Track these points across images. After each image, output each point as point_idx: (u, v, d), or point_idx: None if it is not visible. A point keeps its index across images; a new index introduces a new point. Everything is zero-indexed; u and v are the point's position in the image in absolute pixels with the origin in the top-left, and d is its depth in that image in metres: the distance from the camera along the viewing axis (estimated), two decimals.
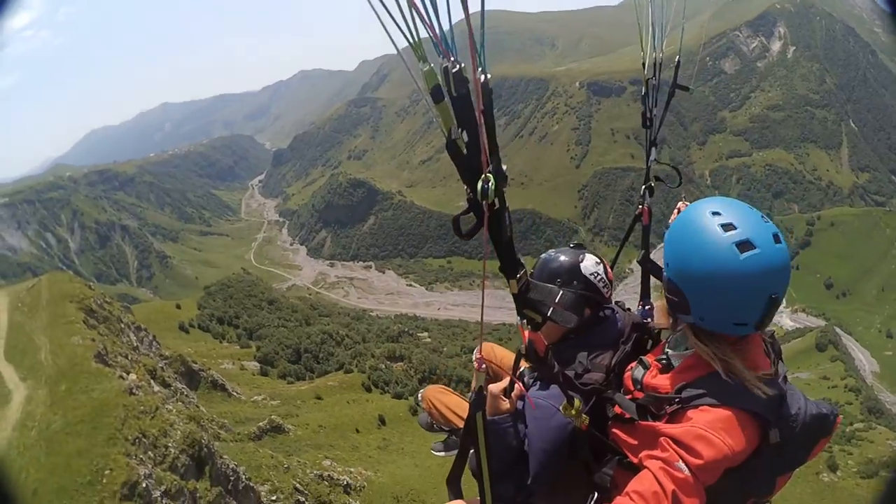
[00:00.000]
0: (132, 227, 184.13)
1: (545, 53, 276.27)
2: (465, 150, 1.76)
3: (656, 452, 2.04)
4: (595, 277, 3.02)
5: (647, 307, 3.56)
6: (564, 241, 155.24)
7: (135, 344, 35.27)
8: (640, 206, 3.95)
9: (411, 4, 1.40)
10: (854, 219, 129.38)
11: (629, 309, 3.24)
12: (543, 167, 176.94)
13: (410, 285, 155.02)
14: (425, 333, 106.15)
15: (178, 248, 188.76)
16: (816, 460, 44.63)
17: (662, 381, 2.32)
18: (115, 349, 26.60)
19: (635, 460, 2.24)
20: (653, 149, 4.07)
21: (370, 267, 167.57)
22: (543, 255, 3.17)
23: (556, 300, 2.55)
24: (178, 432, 17.76)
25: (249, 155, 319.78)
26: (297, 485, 25.35)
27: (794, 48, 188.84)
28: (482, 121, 1.67)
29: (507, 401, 2.58)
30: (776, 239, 2.03)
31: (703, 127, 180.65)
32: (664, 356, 2.44)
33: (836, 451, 49.77)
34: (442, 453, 4.28)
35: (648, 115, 4.04)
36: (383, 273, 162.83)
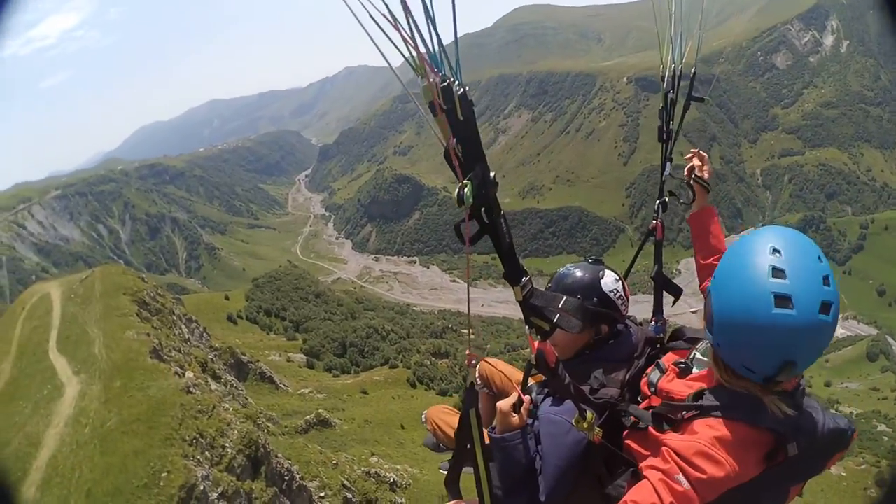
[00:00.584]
0: (182, 219, 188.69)
1: (591, 48, 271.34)
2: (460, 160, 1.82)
3: (657, 463, 2.01)
4: (614, 294, 3.01)
5: (659, 323, 3.42)
6: (611, 240, 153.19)
7: (186, 336, 35.54)
8: (654, 221, 3.80)
9: (408, 19, 1.43)
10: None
11: (641, 323, 3.23)
12: (590, 164, 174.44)
13: (454, 281, 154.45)
14: (469, 330, 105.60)
15: (227, 241, 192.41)
16: (865, 475, 43.50)
17: (678, 386, 2.32)
18: (169, 342, 26.63)
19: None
20: (668, 164, 3.91)
21: (414, 262, 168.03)
22: (561, 270, 3.13)
23: (561, 305, 2.45)
24: (236, 432, 17.40)
25: (296, 150, 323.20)
26: (345, 481, 24.95)
27: (848, 42, 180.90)
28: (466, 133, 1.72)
29: (517, 416, 2.57)
30: (824, 308, 1.83)
31: (755, 124, 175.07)
32: (683, 361, 2.45)
33: (884, 466, 47.19)
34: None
35: (665, 128, 3.92)
36: (427, 268, 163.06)
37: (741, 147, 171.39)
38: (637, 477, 2.27)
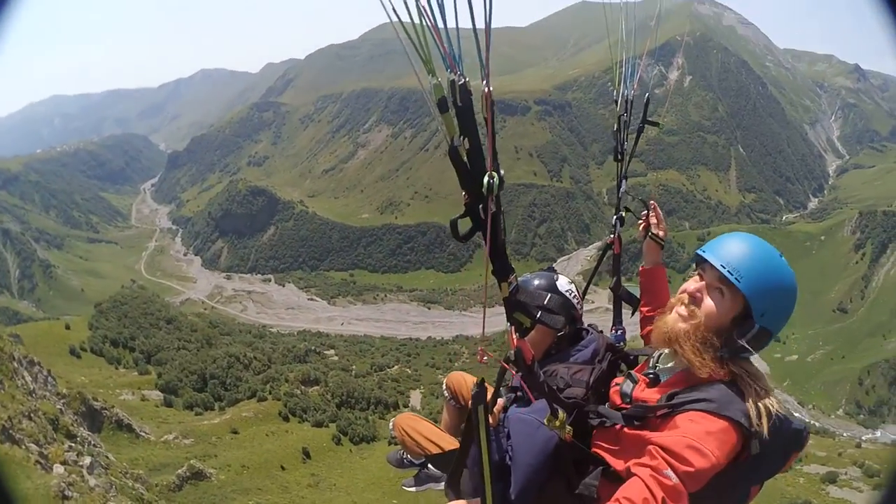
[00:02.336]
0: (14, 231, 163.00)
1: None
2: (465, 157, 1.91)
3: (645, 460, 2.13)
4: (570, 294, 3.34)
5: (619, 331, 3.72)
6: (468, 255, 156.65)
7: (31, 387, 30.75)
8: (612, 235, 3.97)
9: (423, 17, 1.53)
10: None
11: (602, 331, 3.43)
12: (448, 181, 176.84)
13: (312, 299, 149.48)
14: (332, 351, 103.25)
15: (64, 257, 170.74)
16: None
17: (651, 394, 2.49)
18: (16, 405, 22.53)
19: (620, 468, 2.38)
20: (623, 181, 4.14)
21: (269, 280, 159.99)
22: (519, 279, 3.02)
23: (545, 302, 2.89)
24: None
25: (142, 156, 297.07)
26: None
27: (691, 77, 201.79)
28: (492, 130, 1.83)
29: (491, 416, 2.66)
30: None
31: (602, 147, 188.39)
32: (651, 371, 2.62)
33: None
34: (413, 489, 4.33)
35: (619, 149, 4.18)
36: (283, 286, 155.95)
37: (589, 168, 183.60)
38: (607, 476, 2.46)
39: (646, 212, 3.66)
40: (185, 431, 43.70)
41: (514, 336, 2.35)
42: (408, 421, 3.85)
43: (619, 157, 4.23)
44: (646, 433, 2.29)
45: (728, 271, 2.36)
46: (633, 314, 3.61)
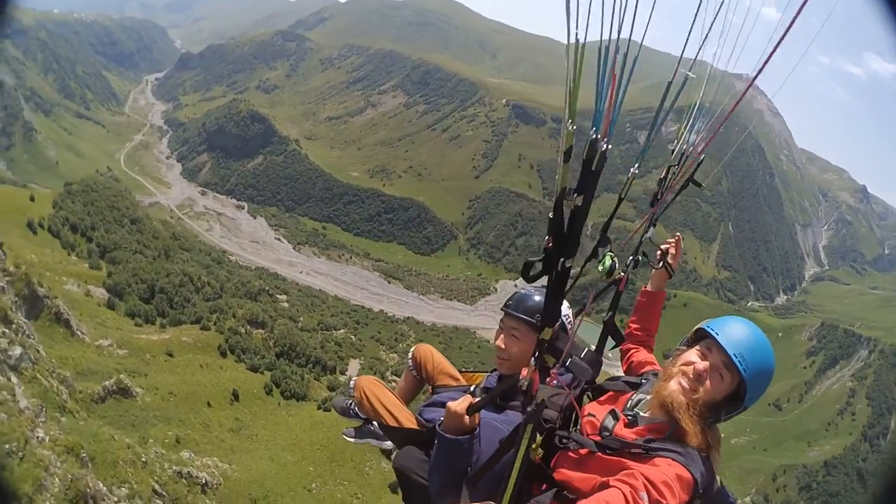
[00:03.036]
0: (7, 84, 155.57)
1: (484, 60, 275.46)
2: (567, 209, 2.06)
3: (626, 479, 2.36)
4: (567, 320, 3.42)
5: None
6: (443, 242, 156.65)
7: None
8: (622, 273, 3.83)
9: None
10: (706, 307, 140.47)
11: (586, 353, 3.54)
12: (445, 166, 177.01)
13: (278, 239, 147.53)
14: (284, 297, 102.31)
15: (48, 124, 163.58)
16: None
17: (628, 434, 2.75)
18: None
19: (584, 487, 2.63)
20: (651, 228, 4.14)
21: (243, 208, 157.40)
22: (519, 291, 3.49)
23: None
24: (57, 481, 12.71)
25: (156, 47, 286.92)
26: (156, 485, 22.24)
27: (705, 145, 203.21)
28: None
29: (469, 420, 2.88)
30: None
31: (601, 182, 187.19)
32: (630, 413, 2.88)
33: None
34: (353, 440, 4.49)
35: (660, 196, 4.12)
36: (254, 218, 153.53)
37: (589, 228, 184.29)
38: (560, 499, 2.71)
39: (660, 251, 4.01)
40: (121, 341, 42.82)
41: (533, 372, 2.68)
42: (371, 386, 3.88)
43: (656, 203, 4.18)
44: (628, 461, 2.54)
45: (738, 360, 2.63)
46: (613, 348, 3.67)
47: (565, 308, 3.42)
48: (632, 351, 3.76)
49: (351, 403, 4.42)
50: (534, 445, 2.64)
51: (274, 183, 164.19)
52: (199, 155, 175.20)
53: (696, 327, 2.92)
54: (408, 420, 3.67)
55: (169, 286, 63.60)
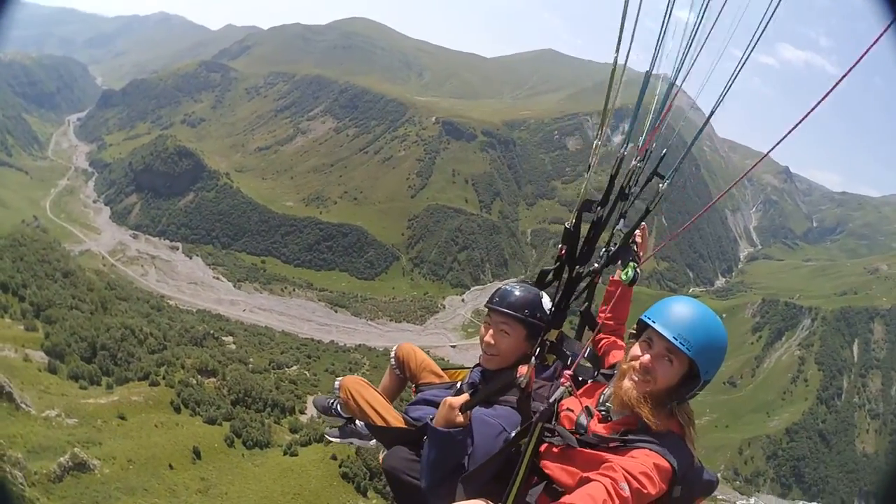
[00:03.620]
0: None
1: (411, 79, 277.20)
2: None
3: (605, 472, 2.45)
4: (550, 312, 3.38)
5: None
6: (385, 265, 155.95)
7: None
8: (595, 265, 3.89)
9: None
10: (649, 298, 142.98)
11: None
12: (380, 188, 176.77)
13: (217, 278, 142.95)
14: (230, 338, 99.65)
15: None
16: None
17: (603, 429, 2.83)
18: None
19: (569, 482, 2.73)
20: (622, 219, 4.02)
21: (177, 248, 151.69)
22: (502, 287, 3.52)
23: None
24: None
25: (77, 85, 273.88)
26: None
27: (632, 145, 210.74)
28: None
29: (463, 416, 2.94)
30: None
31: (535, 190, 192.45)
32: (603, 408, 2.95)
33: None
34: (337, 439, 4.49)
35: (627, 190, 3.98)
36: (190, 258, 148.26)
37: (519, 206, 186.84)
38: (548, 492, 2.81)
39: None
40: (69, 409, 40.81)
41: (532, 369, 2.84)
42: (356, 385, 3.90)
43: (622, 197, 4.08)
44: (606, 455, 2.64)
45: (680, 342, 2.69)
46: (595, 334, 3.76)
47: (547, 301, 3.48)
48: (603, 341, 3.78)
49: (333, 402, 4.44)
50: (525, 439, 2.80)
51: (207, 220, 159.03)
52: (127, 196, 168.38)
53: (637, 319, 3.02)
54: (395, 419, 3.67)
55: (110, 342, 60.95)
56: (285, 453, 49.48)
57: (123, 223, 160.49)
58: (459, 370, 4.21)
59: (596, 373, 3.39)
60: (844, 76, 2.42)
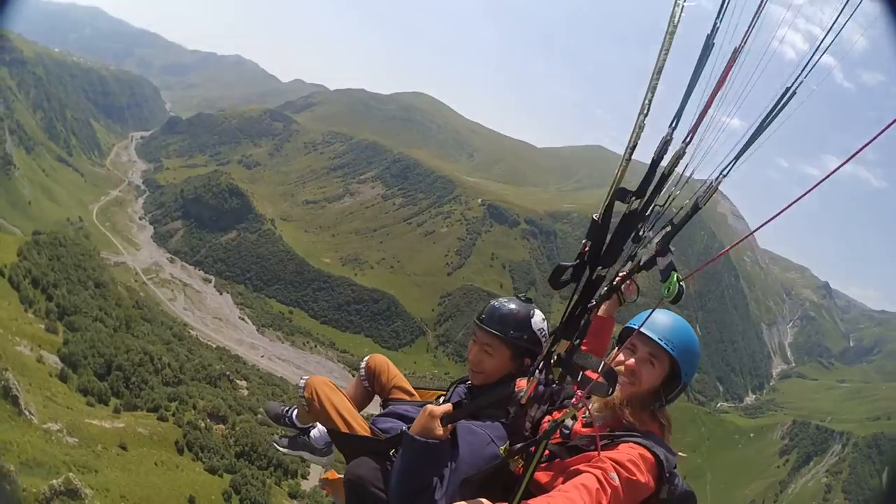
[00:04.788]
0: None
1: (461, 159, 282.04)
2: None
3: (596, 464, 2.54)
4: (541, 333, 3.28)
5: (557, 386, 3.62)
6: (411, 338, 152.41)
7: None
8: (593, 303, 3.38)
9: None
10: (677, 410, 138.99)
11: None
12: (418, 261, 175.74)
13: (242, 319, 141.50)
14: (244, 383, 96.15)
15: (28, 161, 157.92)
16: None
17: (587, 432, 2.90)
18: None
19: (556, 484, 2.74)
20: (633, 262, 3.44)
21: (210, 281, 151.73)
22: (494, 302, 3.36)
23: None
24: None
25: (146, 105, 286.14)
26: None
27: (674, 249, 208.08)
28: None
29: (443, 429, 2.82)
30: None
31: (571, 287, 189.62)
32: (587, 415, 2.96)
33: None
34: (285, 450, 4.15)
35: (637, 234, 3.06)
36: (220, 294, 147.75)
37: (553, 299, 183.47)
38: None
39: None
40: (72, 426, 37.61)
41: (533, 384, 2.88)
42: (323, 387, 3.55)
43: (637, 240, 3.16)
44: (594, 453, 2.67)
45: (665, 343, 2.86)
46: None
47: (538, 320, 3.27)
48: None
49: (287, 410, 4.11)
50: (514, 456, 2.84)
51: (245, 260, 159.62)
52: (172, 220, 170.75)
53: (620, 330, 3.09)
54: (362, 428, 3.38)
55: (127, 364, 58.25)
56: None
57: (163, 245, 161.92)
58: (432, 391, 3.95)
59: (610, 390, 3.06)
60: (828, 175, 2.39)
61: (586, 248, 2.90)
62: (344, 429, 3.36)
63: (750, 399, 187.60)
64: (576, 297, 2.86)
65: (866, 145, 2.30)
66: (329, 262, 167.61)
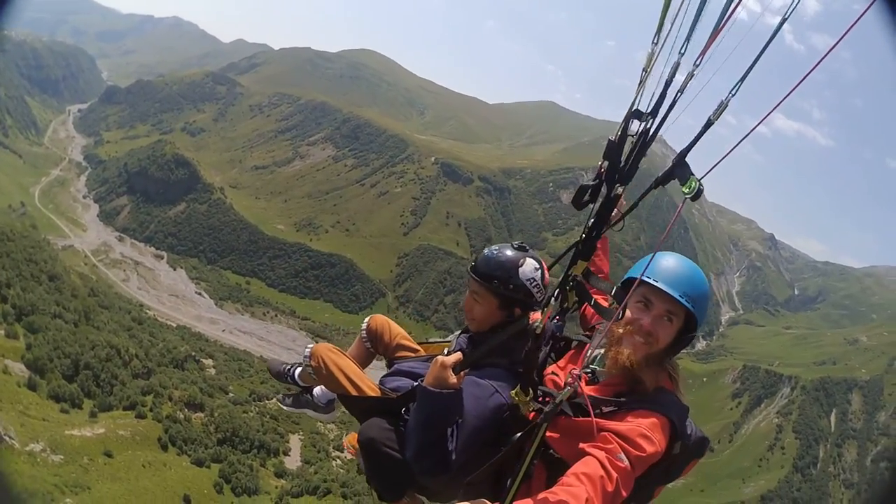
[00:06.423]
0: None
1: (413, 116, 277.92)
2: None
3: (600, 444, 2.44)
4: (531, 283, 3.19)
5: (561, 322, 3.64)
6: (371, 300, 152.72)
7: None
8: (583, 235, 3.35)
9: None
10: None
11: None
12: (373, 222, 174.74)
13: (199, 294, 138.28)
14: (210, 361, 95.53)
15: None
16: None
17: (593, 391, 2.79)
18: None
19: (564, 452, 2.68)
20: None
21: (162, 257, 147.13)
22: (486, 251, 3.31)
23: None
24: None
25: (82, 76, 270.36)
26: None
27: (625, 203, 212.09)
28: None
29: (455, 377, 2.82)
30: None
31: (526, 240, 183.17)
32: (590, 369, 2.92)
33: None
34: (289, 408, 4.19)
35: (625, 165, 3.03)
36: (174, 269, 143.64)
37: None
38: (543, 457, 2.75)
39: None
40: (54, 442, 37.00)
41: (547, 316, 2.88)
42: (329, 354, 3.54)
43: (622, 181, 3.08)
44: (601, 421, 2.56)
45: (686, 301, 2.69)
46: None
47: (529, 269, 3.17)
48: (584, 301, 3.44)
49: (289, 368, 4.12)
50: (525, 398, 2.80)
51: (196, 233, 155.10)
52: (118, 197, 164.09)
53: (624, 278, 2.94)
54: (371, 389, 3.36)
55: (94, 361, 56.90)
56: None
57: (111, 223, 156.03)
58: (436, 344, 3.95)
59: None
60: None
61: (603, 169, 3.03)
62: (354, 392, 3.40)
63: (701, 345, 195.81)
64: (592, 217, 3.08)
65: (779, 103, 2.36)
66: (283, 229, 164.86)
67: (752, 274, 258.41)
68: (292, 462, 63.48)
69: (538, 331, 2.87)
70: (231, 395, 78.63)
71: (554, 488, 2.31)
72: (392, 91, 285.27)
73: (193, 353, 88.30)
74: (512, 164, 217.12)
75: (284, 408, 4.23)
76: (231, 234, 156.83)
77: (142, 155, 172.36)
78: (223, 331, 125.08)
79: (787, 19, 2.22)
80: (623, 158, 2.97)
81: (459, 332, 3.59)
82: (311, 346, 3.71)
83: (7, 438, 32.87)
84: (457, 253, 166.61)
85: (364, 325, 3.98)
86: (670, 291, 2.66)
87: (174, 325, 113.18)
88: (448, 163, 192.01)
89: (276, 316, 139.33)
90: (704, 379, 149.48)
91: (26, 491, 28.09)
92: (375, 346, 3.92)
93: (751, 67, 2.36)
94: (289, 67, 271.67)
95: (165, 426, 49.91)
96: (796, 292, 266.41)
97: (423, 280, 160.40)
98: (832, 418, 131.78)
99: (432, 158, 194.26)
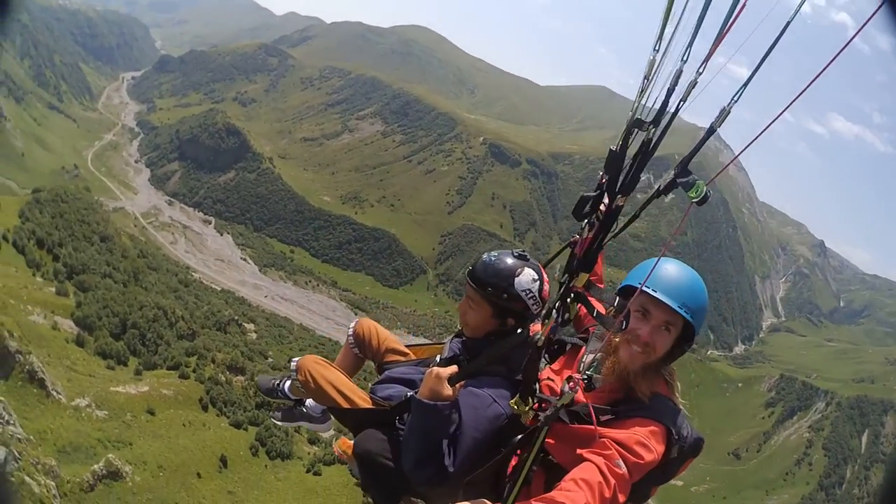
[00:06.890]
0: None
1: (462, 95, 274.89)
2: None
3: (598, 450, 2.45)
4: (527, 294, 3.12)
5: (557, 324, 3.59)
6: (411, 276, 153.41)
7: None
8: (575, 236, 3.45)
9: None
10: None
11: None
12: (418, 199, 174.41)
13: (244, 259, 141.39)
14: (252, 326, 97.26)
15: (18, 112, 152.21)
16: None
17: (590, 398, 2.80)
18: None
19: (562, 458, 2.71)
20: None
21: (210, 223, 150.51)
22: (485, 256, 3.26)
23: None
24: None
25: (136, 45, 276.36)
26: None
27: (673, 196, 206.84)
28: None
29: (450, 389, 2.82)
30: None
31: (571, 226, 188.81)
32: (587, 375, 2.88)
33: None
34: (282, 423, 4.12)
35: (625, 178, 3.03)
36: (221, 235, 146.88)
37: (552, 241, 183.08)
38: (542, 463, 2.78)
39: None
40: (99, 398, 37.83)
41: (548, 327, 2.85)
42: (316, 366, 3.46)
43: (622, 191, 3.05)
44: (600, 429, 2.59)
45: (684, 311, 2.68)
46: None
47: (527, 280, 3.10)
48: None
49: (278, 382, 4.02)
50: (525, 408, 2.78)
51: (244, 200, 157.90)
52: (169, 162, 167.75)
53: (622, 284, 2.89)
54: (362, 400, 3.31)
55: (142, 321, 58.24)
56: (308, 471, 46.84)
57: (161, 188, 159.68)
58: (425, 347, 3.85)
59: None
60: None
61: (604, 181, 2.95)
62: (345, 405, 3.28)
63: (739, 349, 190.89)
64: (594, 228, 3.01)
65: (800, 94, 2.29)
66: (329, 201, 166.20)
67: (798, 280, 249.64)
68: (327, 433, 64.11)
69: (539, 343, 2.83)
70: (270, 360, 79.75)
71: (552, 493, 2.31)
72: (442, 68, 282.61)
73: (236, 317, 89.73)
74: (561, 148, 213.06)
75: (279, 423, 4.10)
76: (278, 203, 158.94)
77: (193, 123, 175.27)
78: (265, 297, 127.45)
79: (790, 23, 2.19)
80: (626, 168, 2.95)
81: (453, 335, 3.48)
82: (296, 359, 3.60)
83: (55, 393, 33.63)
84: (500, 235, 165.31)
85: (350, 331, 3.88)
86: (670, 303, 2.64)
87: (219, 289, 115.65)
88: (496, 143, 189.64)
89: (317, 285, 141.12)
90: (739, 384, 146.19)
91: (70, 445, 28.77)
92: (364, 352, 3.83)
93: (753, 74, 2.37)
94: (340, 41, 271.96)
95: (207, 387, 50.77)
96: (842, 304, 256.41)
97: (464, 260, 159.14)
98: (864, 439, 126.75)
99: (481, 138, 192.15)
